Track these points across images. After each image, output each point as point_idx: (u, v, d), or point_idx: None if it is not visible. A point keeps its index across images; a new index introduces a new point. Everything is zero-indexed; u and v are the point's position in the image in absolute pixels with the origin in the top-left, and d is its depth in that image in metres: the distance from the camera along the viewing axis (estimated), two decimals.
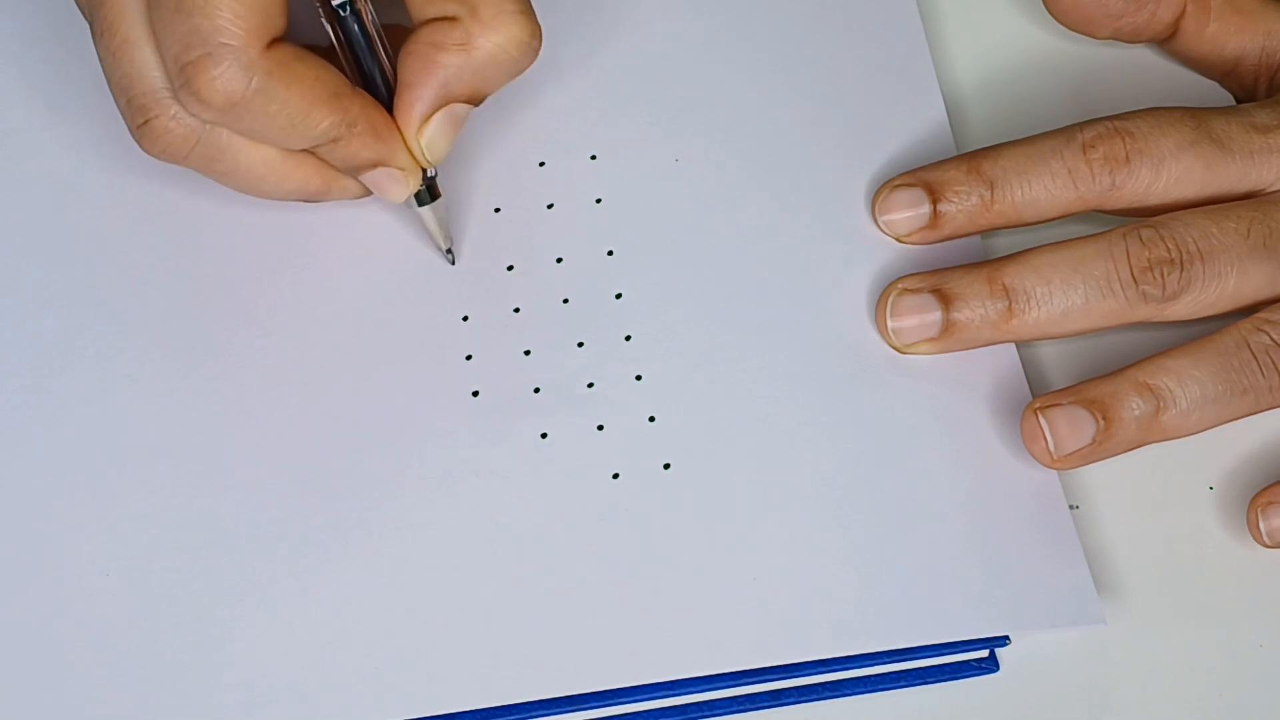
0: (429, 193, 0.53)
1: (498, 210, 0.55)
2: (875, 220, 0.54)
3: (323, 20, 0.51)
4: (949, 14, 0.60)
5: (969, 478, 0.51)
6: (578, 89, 0.57)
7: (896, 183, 0.54)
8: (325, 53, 0.51)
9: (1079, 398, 0.50)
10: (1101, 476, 0.52)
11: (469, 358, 0.53)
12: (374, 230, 0.55)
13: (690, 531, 0.50)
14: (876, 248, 0.54)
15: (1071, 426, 0.50)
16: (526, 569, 0.49)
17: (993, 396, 0.52)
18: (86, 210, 0.56)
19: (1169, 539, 0.51)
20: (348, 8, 0.50)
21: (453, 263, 0.54)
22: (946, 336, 0.52)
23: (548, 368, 0.52)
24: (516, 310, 0.54)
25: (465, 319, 0.53)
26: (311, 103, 0.49)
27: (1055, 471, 0.51)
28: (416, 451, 0.51)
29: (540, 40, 0.51)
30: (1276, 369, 0.50)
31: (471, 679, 0.48)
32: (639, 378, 0.52)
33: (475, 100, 0.51)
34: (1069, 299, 0.51)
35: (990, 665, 0.49)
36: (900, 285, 0.52)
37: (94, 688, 0.48)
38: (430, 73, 0.50)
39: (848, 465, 0.51)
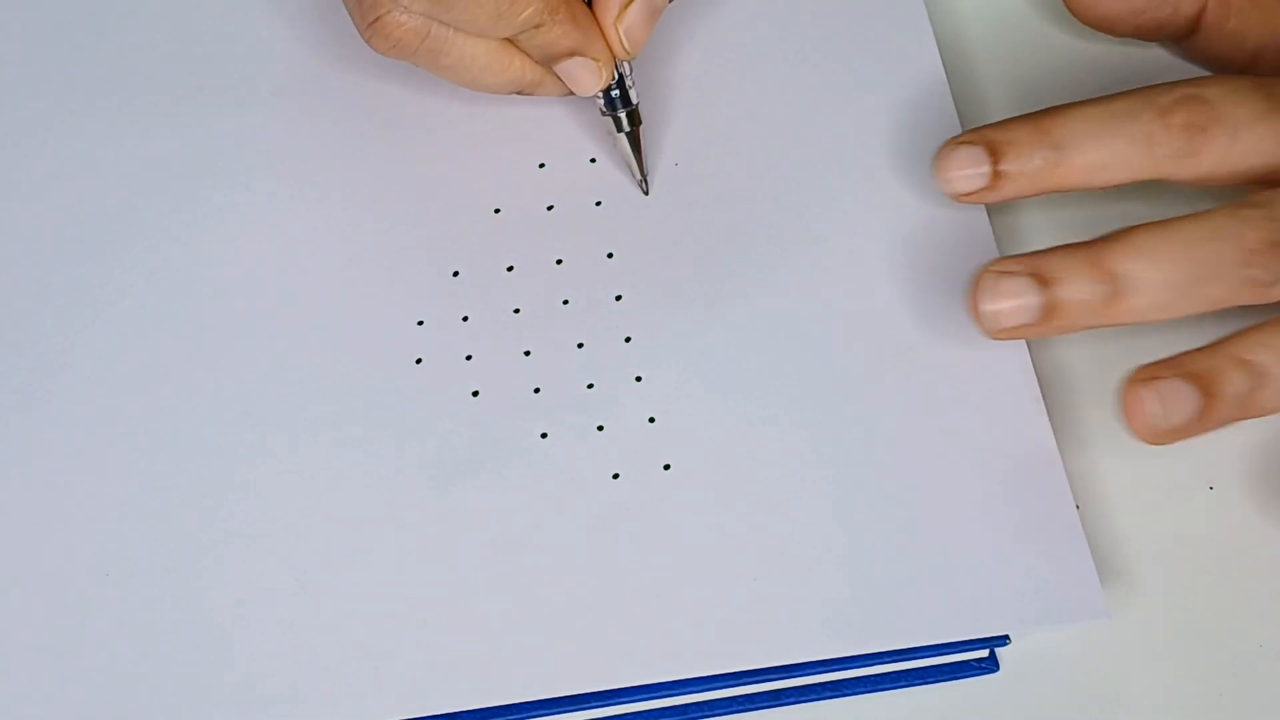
0: (629, 119, 0.55)
1: (498, 211, 0.55)
2: (935, 178, 0.52)
3: None
4: (958, 13, 0.60)
5: (970, 478, 0.51)
6: None
7: (958, 140, 0.52)
8: None
9: (1181, 371, 0.48)
10: (1102, 476, 0.52)
11: (469, 358, 0.53)
12: (376, 231, 0.55)
13: (690, 532, 0.50)
14: (877, 249, 0.54)
15: (1176, 401, 0.48)
16: (526, 569, 0.49)
17: (995, 396, 0.52)
18: (88, 210, 0.56)
19: (1169, 539, 0.51)
20: None
21: (646, 193, 0.55)
22: (1045, 321, 0.50)
23: (548, 368, 0.53)
24: (516, 310, 0.54)
25: (465, 319, 0.53)
26: None
27: (1061, 471, 0.50)
28: (417, 451, 0.51)
29: None
30: None
31: (471, 679, 0.48)
32: (639, 378, 0.52)
33: None
34: (1176, 282, 0.49)
35: (990, 665, 0.49)
36: (996, 267, 0.50)
37: (94, 688, 0.48)
38: None
39: (848, 465, 0.51)
